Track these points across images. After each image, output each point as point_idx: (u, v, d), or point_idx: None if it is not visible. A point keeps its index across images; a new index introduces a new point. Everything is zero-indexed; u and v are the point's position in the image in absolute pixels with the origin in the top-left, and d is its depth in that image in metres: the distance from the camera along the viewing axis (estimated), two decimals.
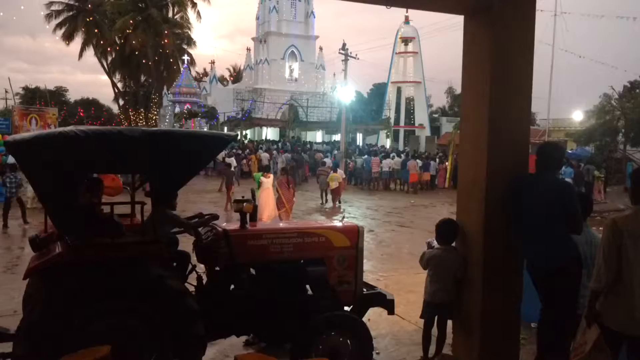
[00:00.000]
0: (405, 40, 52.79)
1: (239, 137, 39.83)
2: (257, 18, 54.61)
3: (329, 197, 20.33)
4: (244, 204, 4.92)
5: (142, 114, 51.73)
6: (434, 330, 5.12)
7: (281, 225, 5.98)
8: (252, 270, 4.90)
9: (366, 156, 29.40)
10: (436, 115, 60.88)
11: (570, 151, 32.78)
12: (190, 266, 5.06)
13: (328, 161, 27.07)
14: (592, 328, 3.68)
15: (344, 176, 22.21)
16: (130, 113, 52.27)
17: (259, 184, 13.85)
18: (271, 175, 14.30)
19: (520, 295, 4.79)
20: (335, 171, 20.74)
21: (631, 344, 3.62)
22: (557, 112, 42.88)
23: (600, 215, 16.79)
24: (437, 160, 29.89)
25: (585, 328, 3.76)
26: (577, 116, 42.31)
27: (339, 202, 20.02)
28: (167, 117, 47.61)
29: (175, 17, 55.10)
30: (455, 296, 4.96)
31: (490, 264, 4.60)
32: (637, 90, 35.69)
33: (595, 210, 19.56)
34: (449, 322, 5.17)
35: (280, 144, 39.56)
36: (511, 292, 4.71)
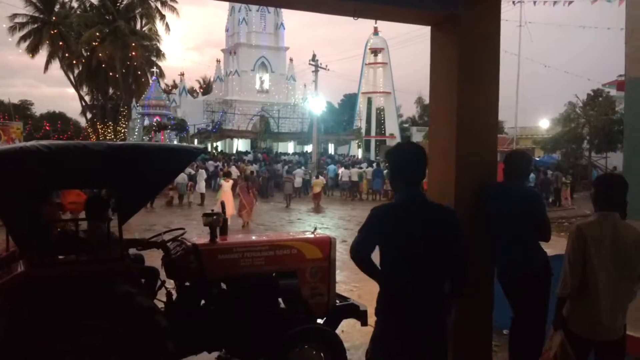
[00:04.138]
0: (375, 51, 53.38)
1: (209, 149, 39.59)
2: (227, 30, 54.55)
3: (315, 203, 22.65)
4: (214, 217, 4.85)
5: (111, 127, 51.06)
6: None
7: (252, 238, 5.92)
8: (223, 285, 4.82)
9: (332, 166, 30.51)
10: (406, 125, 61.57)
11: (537, 158, 33.42)
12: (159, 282, 4.95)
13: (300, 171, 27.60)
14: (557, 333, 3.71)
15: (324, 182, 25.11)
16: (99, 126, 51.54)
17: (220, 187, 16.98)
18: (231, 180, 17.42)
19: (491, 303, 4.82)
20: (317, 177, 23.94)
21: (598, 350, 3.66)
22: (524, 121, 43.89)
23: (568, 221, 17.15)
24: None
25: (553, 333, 3.80)
26: (544, 124, 43.26)
27: (318, 204, 22.65)
28: (136, 130, 47.05)
29: (144, 29, 54.77)
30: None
31: None
32: (600, 99, 36.60)
33: (562, 217, 19.98)
34: None
35: (250, 155, 39.46)
36: (483, 301, 4.73)
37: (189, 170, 22.35)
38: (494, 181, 4.77)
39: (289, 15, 55.08)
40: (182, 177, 21.17)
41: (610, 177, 4.46)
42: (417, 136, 48.70)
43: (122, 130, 50.21)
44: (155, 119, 45.51)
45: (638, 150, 5.45)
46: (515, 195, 4.48)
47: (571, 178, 27.87)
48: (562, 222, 16.48)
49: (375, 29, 51.06)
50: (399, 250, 3.11)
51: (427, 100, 59.20)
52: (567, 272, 3.61)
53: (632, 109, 5.67)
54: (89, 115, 56.87)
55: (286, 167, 30.49)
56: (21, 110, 59.05)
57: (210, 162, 31.95)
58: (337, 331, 5.02)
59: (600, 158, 37.05)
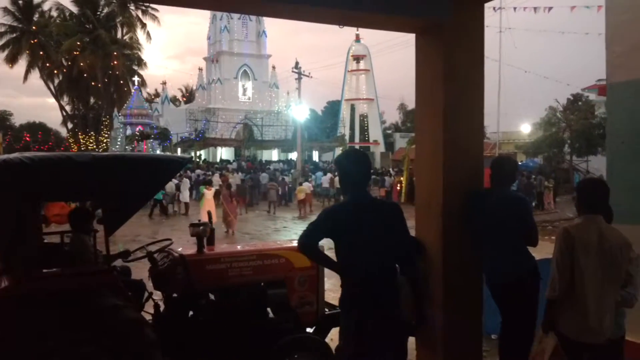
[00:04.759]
0: (357, 58, 53.69)
1: (193, 158, 39.41)
2: (208, 38, 54.47)
3: (301, 209, 23.12)
4: (201, 227, 4.81)
5: (93, 137, 50.50)
6: None
7: (240, 247, 5.88)
8: (211, 295, 4.77)
9: (319, 173, 30.59)
10: (389, 132, 61.78)
11: (520, 163, 33.73)
12: (146, 294, 4.89)
13: (285, 178, 27.76)
14: (549, 336, 3.74)
15: (311, 188, 25.20)
16: (80, 136, 50.95)
17: (202, 195, 17.39)
18: (213, 188, 17.97)
19: (480, 309, 4.82)
20: (301, 184, 24.26)
21: (590, 352, 3.69)
22: (507, 125, 44.23)
23: (551, 225, 17.30)
24: (392, 176, 30.37)
25: (542, 336, 3.83)
26: (525, 129, 43.67)
27: (310, 211, 22.72)
28: (119, 139, 46.64)
29: (125, 38, 54.33)
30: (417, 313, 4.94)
31: (450, 279, 4.61)
32: (580, 103, 37.13)
33: (546, 220, 20.16)
34: (412, 339, 5.15)
35: (235, 164, 39.31)
36: (472, 306, 4.73)
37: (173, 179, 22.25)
38: (481, 186, 4.80)
39: (270, 23, 55.27)
40: (170, 187, 21.20)
41: (592, 181, 4.58)
42: (401, 142, 48.90)
43: (104, 140, 49.69)
44: (137, 129, 45.19)
45: (620, 154, 5.52)
46: (502, 201, 4.51)
47: (553, 182, 28.15)
48: (545, 226, 16.62)
49: (357, 36, 51.38)
50: (352, 243, 3.43)
51: (409, 107, 59.77)
52: (556, 274, 3.66)
53: (614, 113, 5.74)
54: (70, 125, 56.24)
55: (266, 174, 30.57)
56: (0, 120, 58.24)
57: (198, 171, 31.84)
58: (327, 339, 4.99)
59: (582, 162, 37.52)
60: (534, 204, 25.11)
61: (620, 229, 3.79)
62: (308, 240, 3.52)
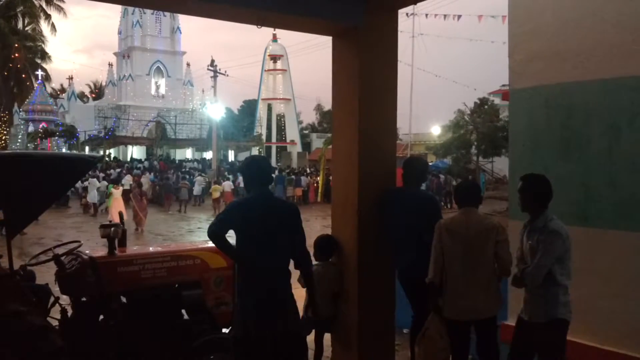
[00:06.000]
0: (274, 58, 53.58)
1: (104, 157, 37.84)
2: (119, 32, 52.40)
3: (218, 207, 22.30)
4: (112, 228, 4.64)
5: None
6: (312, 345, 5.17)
7: (153, 249, 5.73)
8: (124, 298, 4.62)
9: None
10: (306, 132, 62.14)
11: (430, 163, 35.06)
12: (52, 299, 4.65)
13: (200, 179, 27.29)
14: (430, 316, 4.17)
15: (232, 187, 24.87)
16: None
17: (110, 194, 17.69)
18: (120, 187, 18.30)
19: (393, 305, 4.99)
20: (219, 183, 24.14)
21: (475, 330, 4.12)
22: (418, 127, 45.74)
23: None
24: (308, 175, 30.64)
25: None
26: (436, 131, 45.41)
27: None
28: (20, 137, 43.88)
29: (27, 29, 51.02)
30: (334, 310, 5.04)
31: (365, 276, 4.74)
32: (486, 107, 39.09)
33: None
34: (327, 336, 5.24)
35: (146, 163, 38.10)
36: (385, 302, 4.89)
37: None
38: (393, 185, 4.97)
39: (186, 20, 54.05)
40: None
41: (467, 182, 5.42)
42: (318, 142, 49.38)
43: (3, 138, 46.55)
44: (41, 125, 42.75)
45: (522, 157, 5.88)
46: (412, 200, 4.71)
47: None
48: None
49: (274, 35, 51.22)
50: (250, 233, 3.76)
51: (326, 107, 60.39)
52: (432, 261, 4.15)
53: (515, 117, 6.10)
54: None
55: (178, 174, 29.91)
56: None
57: (117, 170, 30.66)
58: None
59: (487, 162, 39.53)
60: (442, 202, 26.23)
61: (515, 225, 4.23)
62: (216, 232, 3.75)
